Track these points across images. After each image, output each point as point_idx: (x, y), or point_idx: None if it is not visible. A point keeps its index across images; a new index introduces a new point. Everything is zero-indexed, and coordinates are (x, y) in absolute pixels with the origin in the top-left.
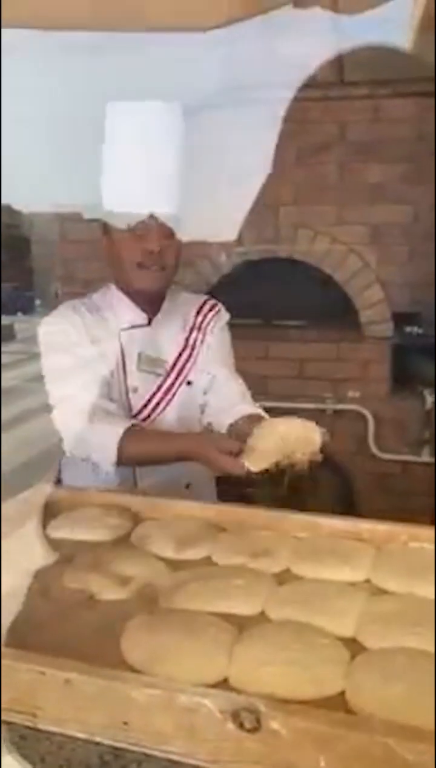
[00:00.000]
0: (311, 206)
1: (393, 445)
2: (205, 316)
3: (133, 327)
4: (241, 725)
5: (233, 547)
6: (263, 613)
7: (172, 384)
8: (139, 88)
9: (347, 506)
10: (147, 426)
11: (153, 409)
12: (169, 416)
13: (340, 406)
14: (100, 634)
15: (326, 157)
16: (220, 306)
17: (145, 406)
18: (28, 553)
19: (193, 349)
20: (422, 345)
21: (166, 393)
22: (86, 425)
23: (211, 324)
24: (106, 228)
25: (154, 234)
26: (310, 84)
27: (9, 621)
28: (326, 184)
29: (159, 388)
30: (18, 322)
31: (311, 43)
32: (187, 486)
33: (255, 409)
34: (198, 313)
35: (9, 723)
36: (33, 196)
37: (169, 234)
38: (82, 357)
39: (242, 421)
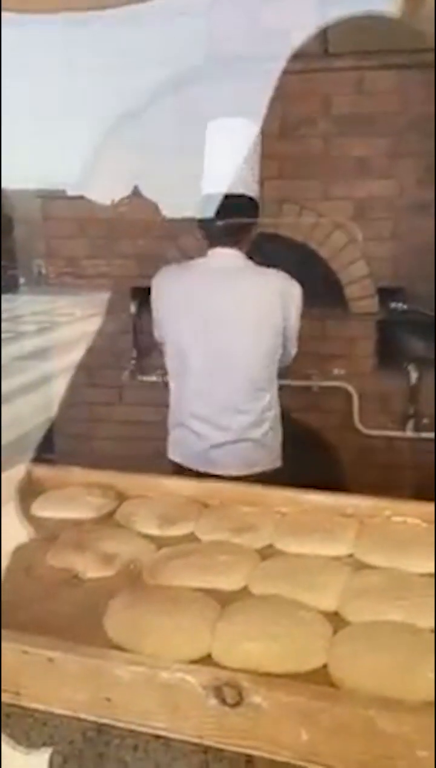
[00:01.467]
0: (296, 181)
1: (378, 421)
2: None
3: None
4: (223, 700)
5: (217, 523)
6: (246, 588)
7: None
8: (124, 62)
9: (332, 482)
10: None
11: None
12: None
13: (325, 383)
14: (85, 613)
15: (310, 131)
16: None
17: None
18: (7, 532)
19: None
20: (406, 320)
21: None
22: None
23: None
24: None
25: None
26: (293, 55)
27: None
28: (310, 158)
29: None
30: (3, 301)
31: (294, 13)
32: None
33: None
34: None
35: None
36: (15, 173)
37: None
38: None
39: None
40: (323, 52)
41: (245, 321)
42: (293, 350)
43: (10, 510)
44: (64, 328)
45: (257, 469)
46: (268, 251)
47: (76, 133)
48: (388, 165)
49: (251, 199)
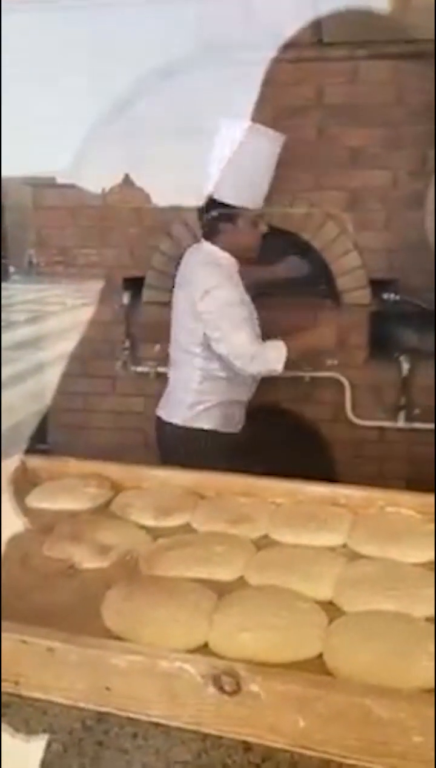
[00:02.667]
0: (289, 170)
1: (370, 412)
2: None
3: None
4: (221, 689)
5: (212, 513)
6: (242, 579)
7: None
8: (115, 49)
9: (324, 472)
10: None
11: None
12: None
13: (317, 374)
14: (82, 603)
15: (303, 121)
16: None
17: None
18: (3, 523)
19: None
20: (399, 312)
21: None
22: (259, 351)
23: None
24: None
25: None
26: (286, 44)
27: None
28: (303, 148)
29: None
30: None
31: (288, 1)
32: None
33: None
34: None
35: None
36: (4, 159)
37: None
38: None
39: None
40: (317, 41)
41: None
42: (220, 342)
43: (6, 501)
44: (56, 317)
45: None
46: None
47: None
48: (382, 156)
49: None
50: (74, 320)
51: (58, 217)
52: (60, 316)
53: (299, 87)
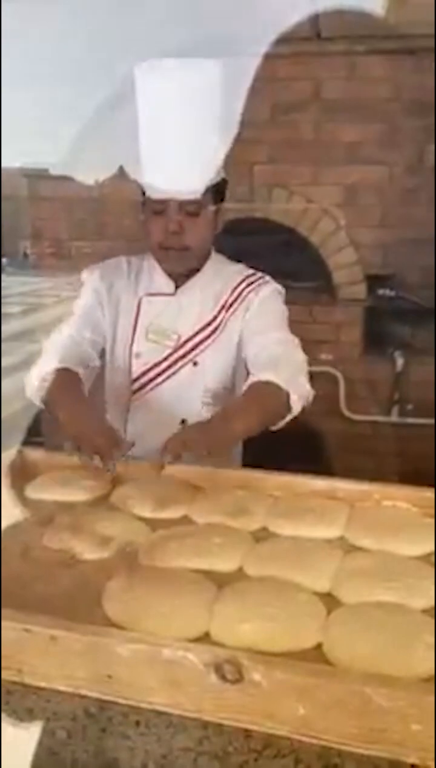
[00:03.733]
0: (286, 166)
1: (364, 406)
2: (240, 293)
3: (155, 294)
4: (223, 677)
5: (211, 506)
6: (241, 570)
7: (177, 360)
8: (110, 41)
9: (319, 466)
10: (142, 397)
11: (151, 379)
12: (167, 391)
13: (312, 368)
14: (82, 593)
15: (300, 116)
16: (262, 281)
17: (144, 374)
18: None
19: (215, 329)
20: (394, 307)
21: (168, 367)
22: (43, 352)
23: (248, 301)
24: (144, 200)
25: (173, 212)
26: (285, 39)
27: None
28: (300, 143)
29: (162, 360)
30: None
31: None
32: (183, 422)
33: (269, 376)
34: (234, 289)
35: None
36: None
37: (193, 212)
38: (94, 309)
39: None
40: (315, 35)
41: None
42: None
43: (4, 492)
44: (50, 309)
45: None
46: (257, 236)
47: (61, 111)
48: (378, 151)
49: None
50: (68, 312)
51: (52, 209)
52: (54, 307)
53: (296, 82)
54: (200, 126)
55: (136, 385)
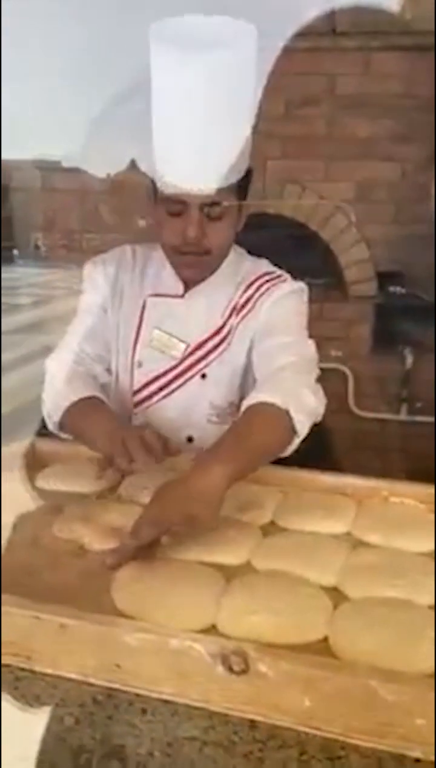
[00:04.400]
0: (299, 161)
1: (372, 404)
2: (253, 295)
3: (161, 295)
4: (230, 668)
5: None
6: (248, 563)
7: (184, 372)
8: (126, 31)
9: (326, 463)
10: (144, 411)
11: (154, 393)
12: (171, 406)
13: (321, 365)
14: (91, 583)
15: (314, 111)
16: (278, 280)
17: (147, 386)
18: (13, 503)
19: (225, 338)
20: (404, 305)
21: (173, 379)
22: (52, 378)
23: (261, 302)
24: (156, 197)
25: (194, 215)
26: (300, 33)
27: None
28: (314, 138)
29: (167, 371)
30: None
31: None
32: (189, 440)
33: (265, 396)
34: (247, 290)
35: (5, 665)
36: (12, 142)
37: (216, 215)
38: (97, 314)
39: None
40: (331, 30)
41: None
42: None
43: (15, 482)
44: (61, 301)
45: None
46: (268, 232)
47: (74, 104)
48: (391, 148)
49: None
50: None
51: (65, 200)
52: (64, 299)
53: (310, 77)
54: (227, 114)
55: (138, 397)
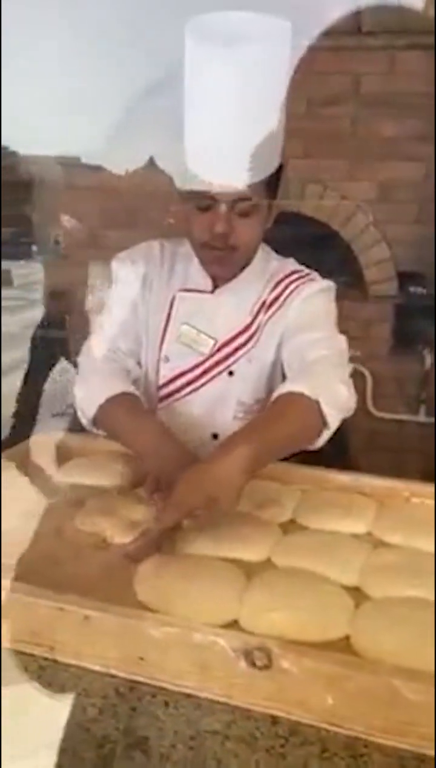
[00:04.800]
0: (321, 160)
1: (390, 404)
2: (281, 293)
3: (191, 290)
4: (253, 663)
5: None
6: (269, 560)
7: (211, 368)
8: (152, 28)
9: (344, 463)
10: (169, 407)
11: (180, 388)
12: (197, 402)
13: None
14: (113, 575)
15: (337, 110)
16: (307, 278)
17: (173, 381)
18: (31, 493)
19: (253, 335)
20: (425, 305)
21: (200, 375)
22: (85, 373)
23: (290, 300)
24: (183, 192)
25: (223, 210)
26: (325, 32)
27: (18, 554)
28: (337, 137)
29: (194, 367)
30: (15, 268)
31: None
32: (215, 437)
33: (295, 386)
34: (276, 286)
35: (29, 655)
36: (32, 138)
37: (246, 211)
38: (128, 308)
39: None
40: (356, 29)
41: None
42: None
43: (32, 476)
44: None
45: None
46: (289, 230)
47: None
48: (415, 148)
49: None
50: (97, 301)
51: (84, 197)
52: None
53: (335, 76)
54: (260, 110)
55: (164, 392)
